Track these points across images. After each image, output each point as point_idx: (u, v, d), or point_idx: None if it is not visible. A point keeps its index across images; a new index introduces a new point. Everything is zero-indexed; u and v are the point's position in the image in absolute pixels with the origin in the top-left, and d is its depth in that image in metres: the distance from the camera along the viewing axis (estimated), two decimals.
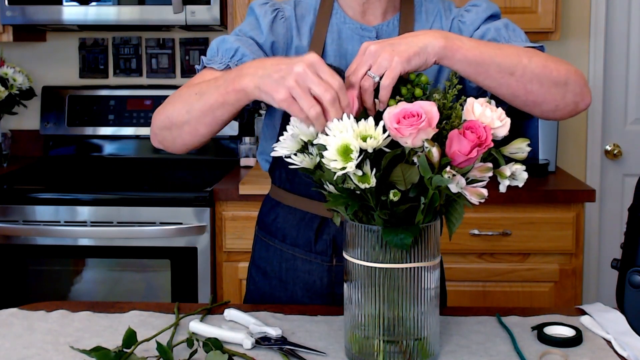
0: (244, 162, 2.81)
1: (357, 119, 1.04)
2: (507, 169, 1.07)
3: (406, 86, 1.09)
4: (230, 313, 1.28)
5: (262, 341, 1.16)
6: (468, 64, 1.13)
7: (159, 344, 1.10)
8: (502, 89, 1.18)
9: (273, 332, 1.18)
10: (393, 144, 1.03)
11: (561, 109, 1.23)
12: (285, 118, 1.29)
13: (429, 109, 1.01)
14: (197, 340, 1.15)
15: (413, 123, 0.99)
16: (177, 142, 1.24)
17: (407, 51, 1.08)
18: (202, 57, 1.31)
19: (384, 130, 1.01)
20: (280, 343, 1.16)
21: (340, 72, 1.22)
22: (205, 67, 1.30)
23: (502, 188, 1.08)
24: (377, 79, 1.08)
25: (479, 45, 1.14)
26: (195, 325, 1.22)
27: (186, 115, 1.18)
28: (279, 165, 1.43)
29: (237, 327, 1.25)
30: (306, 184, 1.38)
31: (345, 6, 1.37)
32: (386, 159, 1.02)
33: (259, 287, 1.49)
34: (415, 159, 1.03)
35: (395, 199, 1.01)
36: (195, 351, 1.13)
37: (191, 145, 1.24)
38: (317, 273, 1.41)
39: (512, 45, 1.21)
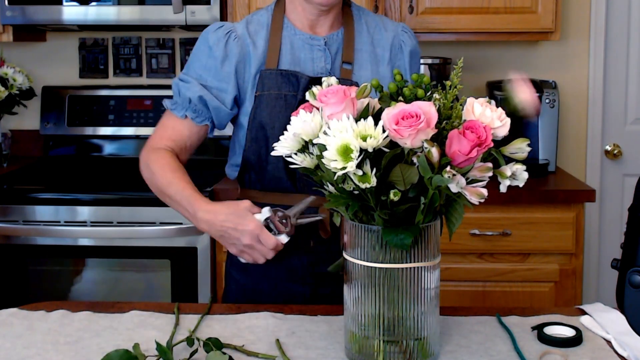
0: None
1: (357, 119, 1.05)
2: (508, 169, 1.07)
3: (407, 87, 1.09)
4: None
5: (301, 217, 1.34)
6: None
7: (158, 344, 1.10)
8: None
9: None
10: (393, 144, 1.03)
11: None
12: (249, 137, 1.50)
13: (428, 110, 1.01)
14: (198, 339, 1.15)
15: (412, 124, 0.99)
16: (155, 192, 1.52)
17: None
18: (165, 100, 1.54)
19: (384, 130, 1.02)
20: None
21: (297, 75, 1.46)
22: (168, 110, 1.53)
23: (503, 188, 1.08)
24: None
25: None
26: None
27: (160, 195, 1.50)
28: (248, 168, 1.53)
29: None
30: (276, 180, 1.48)
31: (295, 21, 1.54)
32: (386, 158, 1.02)
33: (240, 284, 1.57)
34: (414, 159, 1.03)
35: (396, 198, 1.01)
36: (196, 351, 1.13)
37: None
38: (296, 255, 1.49)
39: None
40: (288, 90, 1.46)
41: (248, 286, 1.55)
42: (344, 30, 1.54)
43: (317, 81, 1.40)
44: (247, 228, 1.30)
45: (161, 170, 1.46)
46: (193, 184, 1.44)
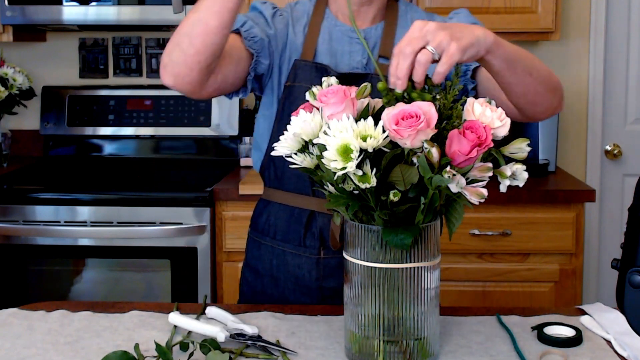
0: (244, 162, 2.81)
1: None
2: (508, 169, 1.07)
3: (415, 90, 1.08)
4: (212, 311, 1.29)
5: (237, 337, 1.17)
6: (505, 60, 1.19)
7: (158, 344, 1.10)
8: (519, 87, 1.26)
9: (249, 329, 1.19)
10: (393, 144, 1.03)
11: (548, 111, 1.36)
12: (276, 129, 1.41)
13: (427, 110, 1.01)
14: (193, 342, 1.15)
15: (412, 124, 0.99)
16: (190, 55, 1.23)
17: (464, 39, 1.09)
18: None
19: (384, 130, 1.01)
20: (254, 339, 1.17)
21: (329, 70, 1.40)
22: None
23: (503, 188, 1.08)
24: (436, 56, 1.07)
25: (510, 44, 1.22)
26: (174, 317, 1.23)
27: (194, 17, 1.23)
28: (267, 165, 1.48)
29: (215, 323, 1.25)
30: (295, 180, 1.43)
31: (336, 12, 1.48)
32: (386, 158, 1.02)
33: (252, 287, 1.53)
34: (414, 159, 1.03)
35: (396, 199, 1.01)
36: (193, 353, 1.13)
37: (204, 54, 1.24)
38: (306, 267, 1.44)
39: (522, 48, 1.28)
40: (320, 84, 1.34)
41: (258, 288, 1.51)
42: (385, 24, 1.47)
43: (348, 77, 1.37)
44: None
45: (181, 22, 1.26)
46: None
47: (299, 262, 1.45)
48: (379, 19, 1.48)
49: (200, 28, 1.22)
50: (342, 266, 1.24)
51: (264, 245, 1.50)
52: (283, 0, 1.62)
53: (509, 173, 1.07)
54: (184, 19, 1.25)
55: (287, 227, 1.45)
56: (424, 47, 1.07)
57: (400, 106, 1.02)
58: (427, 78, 1.09)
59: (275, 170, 1.46)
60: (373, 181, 1.01)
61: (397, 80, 1.08)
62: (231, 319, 1.24)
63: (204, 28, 1.22)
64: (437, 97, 1.07)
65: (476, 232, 2.38)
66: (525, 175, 1.08)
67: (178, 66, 1.25)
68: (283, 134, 1.21)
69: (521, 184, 1.08)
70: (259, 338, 1.18)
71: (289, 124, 1.20)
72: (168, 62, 1.26)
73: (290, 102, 1.41)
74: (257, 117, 1.53)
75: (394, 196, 1.01)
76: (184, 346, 1.15)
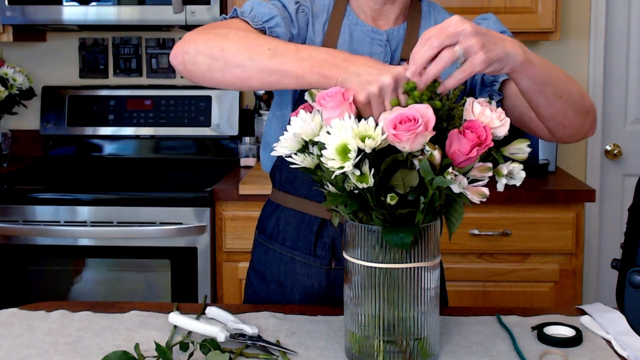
0: (244, 162, 2.81)
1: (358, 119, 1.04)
2: (505, 168, 1.07)
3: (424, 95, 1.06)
4: (212, 311, 1.29)
5: (237, 337, 1.17)
6: (534, 82, 1.16)
7: (158, 344, 1.10)
8: (548, 109, 1.23)
9: (249, 329, 1.19)
10: (392, 147, 1.03)
11: (577, 134, 1.32)
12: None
13: (425, 113, 1.01)
14: (193, 342, 1.15)
15: (410, 128, 0.99)
16: (214, 74, 1.18)
17: (493, 51, 1.05)
18: (236, 7, 1.31)
19: (383, 131, 1.01)
20: (254, 339, 1.17)
21: None
22: (236, 17, 1.28)
23: (500, 187, 1.08)
24: (461, 59, 1.04)
25: (543, 64, 1.17)
26: (174, 317, 1.23)
27: (248, 61, 1.15)
28: (279, 167, 1.43)
29: (215, 323, 1.25)
30: (307, 185, 1.39)
31: (357, 10, 1.40)
32: (386, 163, 1.02)
33: (257, 292, 1.49)
34: (415, 162, 1.03)
35: (393, 202, 1.01)
36: (193, 353, 1.13)
37: (223, 85, 1.19)
38: (315, 276, 1.41)
39: (558, 68, 1.24)
40: None
41: (264, 295, 1.47)
42: (408, 25, 1.40)
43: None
44: (393, 69, 1.07)
45: (239, 37, 1.16)
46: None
47: (309, 271, 1.41)
48: (402, 19, 1.41)
49: (240, 74, 1.15)
50: None
51: (272, 250, 1.46)
52: None
53: (505, 172, 1.07)
54: (241, 42, 1.15)
55: (297, 234, 1.41)
56: (452, 46, 1.04)
57: (398, 110, 1.02)
58: (435, 81, 1.06)
59: (287, 173, 1.41)
60: (371, 181, 1.01)
61: (412, 66, 1.04)
62: (231, 319, 1.24)
63: (243, 79, 1.16)
64: (443, 100, 1.07)
65: (476, 232, 2.38)
66: (523, 174, 1.08)
67: (196, 68, 1.19)
68: None
69: (518, 183, 1.08)
70: (259, 338, 1.18)
71: None
72: (193, 56, 1.19)
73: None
74: (269, 116, 1.46)
75: (391, 200, 1.01)
76: (184, 346, 1.15)
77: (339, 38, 1.37)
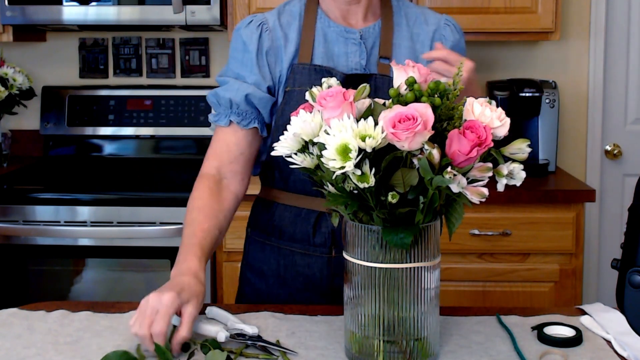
0: None
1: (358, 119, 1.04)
2: (505, 168, 1.07)
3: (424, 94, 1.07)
4: (212, 311, 1.28)
5: (237, 337, 1.17)
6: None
7: (157, 345, 1.10)
8: None
9: (249, 329, 1.19)
10: (392, 146, 1.03)
11: None
12: (276, 135, 1.38)
13: (424, 112, 1.01)
14: (193, 342, 1.15)
15: (409, 127, 0.99)
16: None
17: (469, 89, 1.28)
18: (209, 115, 1.46)
19: (383, 130, 1.01)
20: (254, 339, 1.17)
21: (332, 72, 1.38)
22: (216, 124, 1.44)
23: (500, 187, 1.08)
24: (449, 80, 1.08)
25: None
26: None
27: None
28: (272, 166, 1.46)
29: (215, 323, 1.25)
30: (302, 181, 1.41)
31: (327, 11, 1.45)
32: (386, 161, 1.02)
33: (255, 288, 1.50)
34: (415, 161, 1.03)
35: (394, 201, 1.01)
36: (193, 352, 1.13)
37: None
38: (316, 266, 1.43)
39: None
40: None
41: (263, 290, 1.49)
42: (382, 23, 1.44)
43: (353, 78, 1.37)
44: (163, 296, 1.13)
45: (190, 204, 1.39)
46: (206, 231, 1.34)
47: (309, 261, 1.43)
48: (374, 17, 1.45)
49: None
50: None
51: (268, 246, 1.48)
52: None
53: (505, 172, 1.07)
54: (187, 217, 1.39)
55: (294, 227, 1.44)
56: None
57: (397, 108, 1.02)
58: (438, 82, 1.07)
59: (280, 172, 1.45)
60: (372, 181, 1.01)
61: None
62: (231, 319, 1.24)
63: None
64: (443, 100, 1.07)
65: (476, 232, 2.38)
66: (523, 174, 1.08)
67: None
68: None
69: (518, 183, 1.08)
70: (259, 338, 1.18)
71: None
72: None
73: (291, 107, 1.37)
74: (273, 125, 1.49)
75: (392, 198, 1.01)
76: (184, 346, 1.15)
77: (314, 41, 1.42)
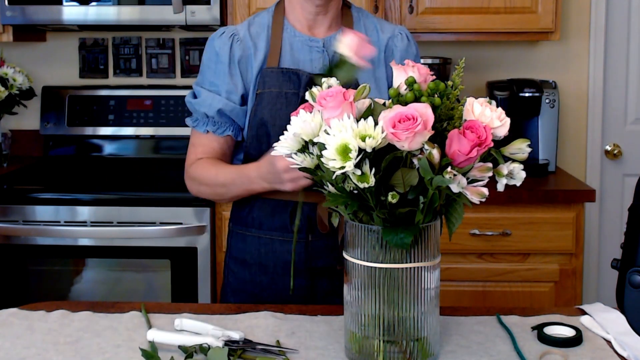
0: None
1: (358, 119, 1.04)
2: (505, 168, 1.07)
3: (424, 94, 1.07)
4: (182, 322, 1.23)
5: (230, 343, 1.16)
6: None
7: (143, 350, 1.10)
8: None
9: (236, 335, 1.17)
10: (392, 146, 1.03)
11: None
12: (250, 134, 1.53)
13: (424, 112, 1.01)
14: (186, 350, 1.15)
15: (409, 127, 0.99)
16: (217, 198, 1.60)
17: None
18: (187, 119, 1.59)
19: (383, 130, 1.01)
20: (248, 344, 1.16)
21: (298, 73, 1.49)
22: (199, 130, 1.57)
23: (500, 187, 1.08)
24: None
25: None
26: (155, 334, 1.17)
27: (217, 197, 1.58)
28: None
29: (204, 336, 1.18)
30: None
31: (294, 22, 1.57)
32: (386, 161, 1.02)
33: (238, 277, 1.59)
34: (415, 161, 1.03)
35: (394, 201, 1.01)
36: (192, 355, 1.13)
37: (227, 200, 1.59)
38: (295, 251, 1.50)
39: None
40: (289, 88, 1.49)
41: (247, 279, 1.57)
42: (343, 32, 1.52)
43: (318, 78, 1.41)
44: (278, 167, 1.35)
45: (203, 172, 1.52)
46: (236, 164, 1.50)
47: (288, 247, 1.51)
48: (336, 27, 1.57)
49: (223, 199, 1.60)
50: (330, 247, 1.43)
51: (249, 236, 1.56)
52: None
53: (505, 172, 1.07)
54: (206, 187, 1.54)
55: (272, 218, 1.53)
56: None
57: (397, 109, 1.02)
58: (438, 82, 1.07)
59: None
60: (372, 181, 1.01)
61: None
62: (211, 327, 1.20)
63: (227, 199, 1.56)
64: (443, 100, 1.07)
65: (476, 232, 2.38)
66: (523, 174, 1.08)
67: (204, 195, 1.57)
68: (253, 141, 1.49)
69: (518, 183, 1.08)
70: (249, 342, 1.17)
71: (262, 126, 1.46)
72: (196, 193, 1.58)
73: (262, 108, 1.50)
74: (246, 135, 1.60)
75: (392, 198, 1.01)
76: (184, 348, 1.15)
77: (282, 49, 1.54)
